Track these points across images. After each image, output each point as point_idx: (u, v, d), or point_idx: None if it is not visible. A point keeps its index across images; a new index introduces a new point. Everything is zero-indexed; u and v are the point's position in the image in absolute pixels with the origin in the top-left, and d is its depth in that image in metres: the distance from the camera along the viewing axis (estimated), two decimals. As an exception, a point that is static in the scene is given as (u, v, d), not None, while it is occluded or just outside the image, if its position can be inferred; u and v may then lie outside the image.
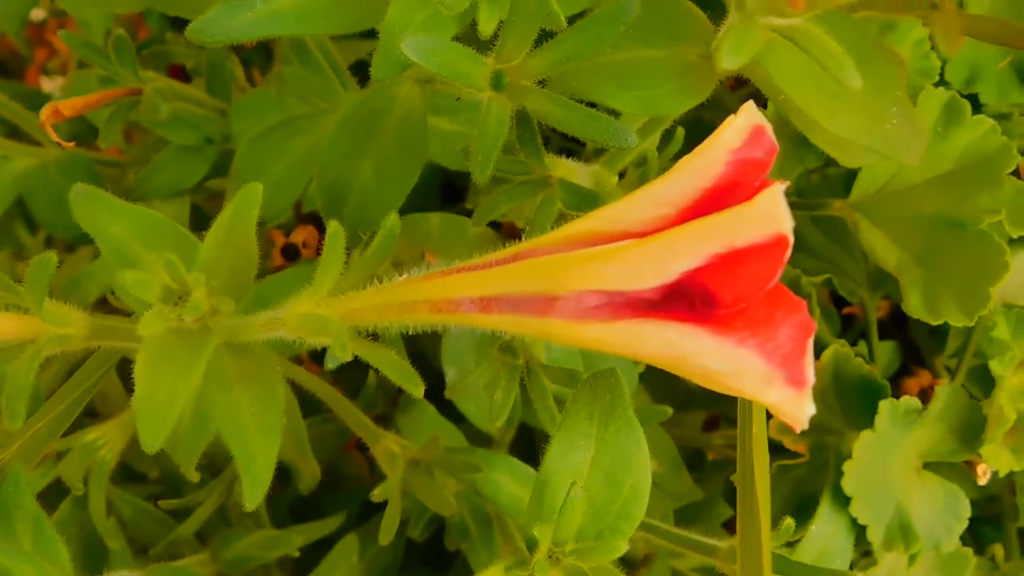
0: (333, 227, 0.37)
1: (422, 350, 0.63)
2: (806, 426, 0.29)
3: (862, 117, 0.37)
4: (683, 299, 0.30)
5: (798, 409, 0.29)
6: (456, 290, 0.35)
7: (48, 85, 0.92)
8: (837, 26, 0.36)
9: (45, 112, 0.50)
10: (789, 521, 0.43)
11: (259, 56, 0.75)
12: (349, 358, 0.37)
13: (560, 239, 0.33)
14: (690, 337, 0.29)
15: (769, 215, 0.28)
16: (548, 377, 0.49)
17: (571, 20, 0.41)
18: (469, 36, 0.41)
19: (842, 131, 0.37)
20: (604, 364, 0.55)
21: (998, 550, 0.66)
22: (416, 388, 0.38)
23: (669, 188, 0.31)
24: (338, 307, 0.38)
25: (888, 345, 0.69)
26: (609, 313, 0.31)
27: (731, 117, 0.31)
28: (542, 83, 0.42)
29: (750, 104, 0.31)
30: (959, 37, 0.35)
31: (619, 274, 0.30)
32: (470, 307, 0.34)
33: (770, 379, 0.29)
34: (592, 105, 0.42)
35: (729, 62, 0.35)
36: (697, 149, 0.31)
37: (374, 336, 0.40)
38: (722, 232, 0.29)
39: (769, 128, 0.31)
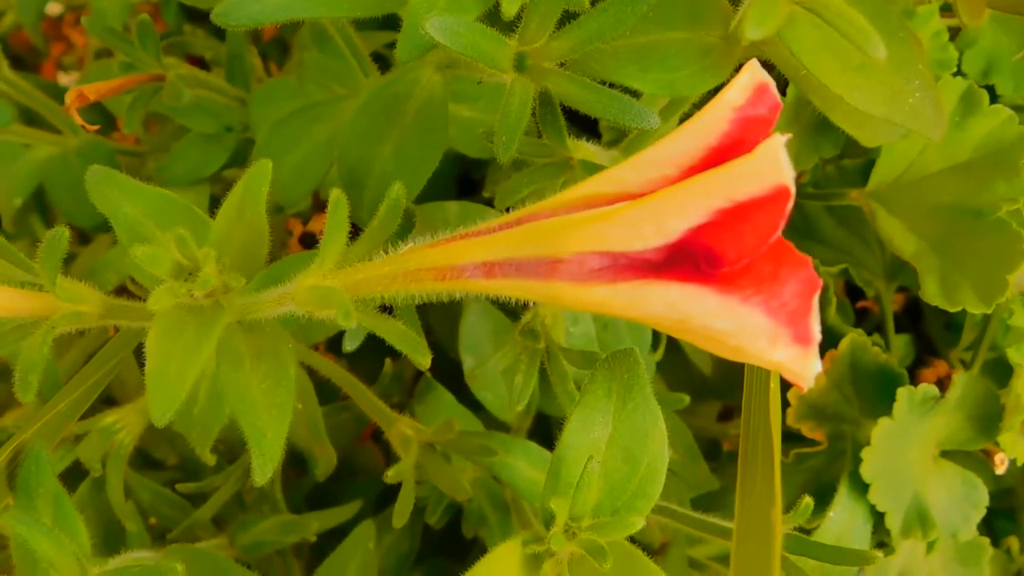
0: (335, 195, 0.36)
1: (439, 339, 0.64)
2: (812, 384, 0.29)
3: (884, 90, 0.38)
4: (687, 258, 0.29)
5: (804, 367, 0.28)
6: (460, 256, 0.35)
7: (64, 79, 0.92)
8: (858, 1, 0.37)
9: (70, 96, 0.50)
10: (808, 500, 0.43)
11: (276, 49, 0.75)
12: (353, 325, 0.36)
13: (563, 202, 0.33)
14: (694, 297, 0.29)
15: (769, 166, 0.28)
16: (567, 360, 0.49)
17: (593, 3, 0.42)
18: (492, 18, 0.42)
19: (864, 104, 0.37)
20: (621, 346, 0.55)
21: (1013, 542, 0.65)
22: (423, 358, 0.38)
23: (672, 148, 0.31)
24: (344, 278, 0.38)
25: (903, 338, 0.69)
26: (613, 275, 0.31)
27: (736, 76, 0.30)
28: (562, 65, 0.42)
29: (753, 62, 0.31)
30: (982, 7, 0.35)
31: (620, 234, 0.30)
32: (474, 273, 0.34)
33: (775, 337, 0.28)
34: (612, 87, 0.42)
35: (754, 33, 0.35)
36: (702, 109, 0.31)
37: (388, 311, 0.40)
38: (722, 186, 0.28)
39: (772, 85, 0.30)
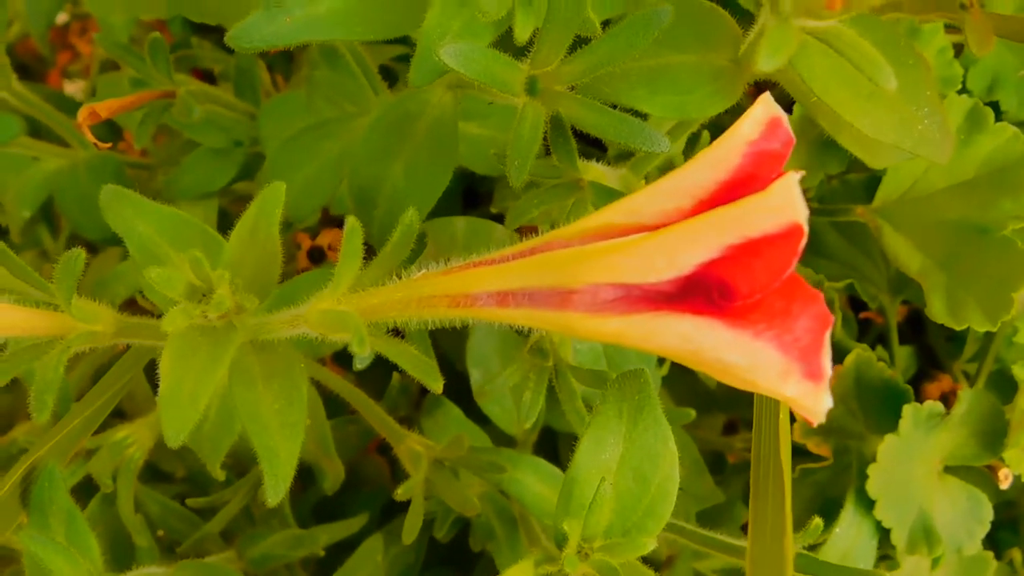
0: (351, 223, 0.37)
1: (446, 352, 0.64)
2: (823, 419, 0.29)
3: (894, 117, 0.38)
4: (700, 291, 0.30)
5: (816, 402, 0.29)
6: (474, 284, 0.35)
7: (70, 88, 0.92)
8: (868, 28, 0.37)
9: (82, 114, 0.50)
10: (818, 521, 0.44)
11: (282, 62, 0.76)
12: (368, 352, 0.37)
13: (577, 232, 0.33)
14: (707, 330, 0.29)
15: (783, 205, 0.28)
16: (576, 378, 0.50)
17: (603, 26, 0.42)
18: (504, 42, 0.42)
19: (875, 132, 0.38)
20: (628, 365, 0.56)
21: (1016, 555, 0.66)
22: (435, 383, 0.39)
23: (686, 180, 0.31)
24: (358, 303, 0.38)
25: (906, 350, 0.70)
26: (626, 306, 0.31)
27: (749, 109, 0.31)
28: (573, 88, 0.42)
29: (767, 96, 0.31)
30: (990, 37, 0.36)
31: (634, 266, 0.30)
32: (487, 301, 0.35)
33: (787, 372, 0.29)
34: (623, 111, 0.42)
35: (767, 64, 0.35)
36: (715, 142, 0.31)
37: (399, 334, 0.40)
38: (736, 223, 0.29)
39: (786, 119, 0.31)
